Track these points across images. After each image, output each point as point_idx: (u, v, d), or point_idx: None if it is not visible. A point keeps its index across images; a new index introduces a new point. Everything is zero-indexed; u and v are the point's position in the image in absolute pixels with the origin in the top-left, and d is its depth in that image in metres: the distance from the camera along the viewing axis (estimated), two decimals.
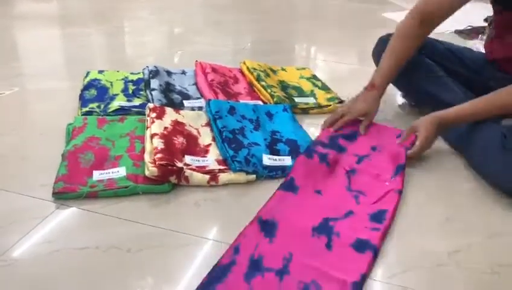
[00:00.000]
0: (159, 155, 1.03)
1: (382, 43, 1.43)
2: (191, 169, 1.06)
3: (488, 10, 1.41)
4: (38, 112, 1.42)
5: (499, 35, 1.37)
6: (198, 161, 1.11)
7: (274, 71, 1.76)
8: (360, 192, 1.05)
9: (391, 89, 1.54)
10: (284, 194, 1.01)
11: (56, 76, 1.73)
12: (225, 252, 0.83)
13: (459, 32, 2.63)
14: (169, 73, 1.63)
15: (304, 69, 1.85)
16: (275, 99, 1.47)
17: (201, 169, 1.08)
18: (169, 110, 1.27)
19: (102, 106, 1.37)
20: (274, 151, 1.19)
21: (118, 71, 1.64)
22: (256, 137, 1.23)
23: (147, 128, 1.17)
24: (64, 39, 2.30)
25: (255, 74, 1.61)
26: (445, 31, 2.61)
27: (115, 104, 1.37)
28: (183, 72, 1.67)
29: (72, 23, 2.50)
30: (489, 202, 1.07)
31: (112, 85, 1.52)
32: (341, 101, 1.53)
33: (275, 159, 1.15)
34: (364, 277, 0.81)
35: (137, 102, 1.41)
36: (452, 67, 1.44)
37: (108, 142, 1.16)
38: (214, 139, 1.21)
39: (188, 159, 1.10)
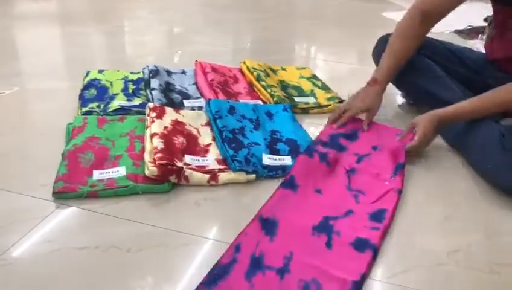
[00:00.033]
0: (158, 155, 1.03)
1: (382, 43, 1.43)
2: (190, 169, 1.06)
3: (488, 10, 1.41)
4: (38, 112, 1.42)
5: (498, 34, 1.37)
6: (198, 160, 1.11)
7: (274, 71, 1.76)
8: (360, 191, 1.05)
9: (391, 88, 1.54)
10: (284, 192, 1.01)
11: (56, 76, 1.73)
12: (226, 251, 0.84)
13: (459, 32, 2.63)
14: (169, 73, 1.63)
15: (303, 68, 1.85)
16: (275, 99, 1.47)
17: (201, 169, 1.08)
18: (169, 109, 1.27)
19: (102, 106, 1.37)
20: (274, 151, 1.19)
21: (117, 71, 1.65)
22: (256, 137, 1.23)
23: (147, 127, 1.17)
24: (64, 39, 2.30)
25: (255, 73, 1.61)
26: (444, 31, 2.61)
27: (115, 104, 1.37)
28: (183, 72, 1.68)
29: (71, 22, 2.50)
30: (489, 201, 1.07)
31: (111, 85, 1.52)
32: (341, 101, 1.54)
33: (275, 159, 1.15)
34: (364, 277, 0.81)
35: (137, 102, 1.41)
36: (452, 67, 1.44)
37: (108, 142, 1.16)
38: (214, 138, 1.21)
39: (187, 158, 1.10)
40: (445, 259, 0.88)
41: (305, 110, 1.49)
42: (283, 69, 1.81)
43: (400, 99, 1.63)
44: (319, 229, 0.91)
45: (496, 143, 1.10)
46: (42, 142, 1.22)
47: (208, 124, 1.28)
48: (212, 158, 1.13)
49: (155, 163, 1.01)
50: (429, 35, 1.38)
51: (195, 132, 1.23)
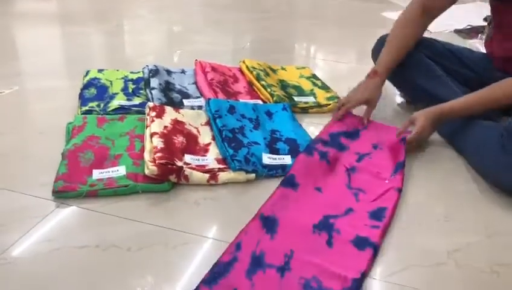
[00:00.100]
0: (158, 154, 1.03)
1: (381, 43, 1.43)
2: (190, 168, 1.06)
3: (488, 9, 1.41)
4: (38, 111, 1.42)
5: (497, 33, 1.37)
6: (198, 160, 1.11)
7: (274, 70, 1.76)
8: (360, 190, 1.05)
9: (390, 88, 1.55)
10: (284, 191, 1.01)
11: (56, 75, 1.73)
12: (226, 249, 0.84)
13: (458, 32, 2.63)
14: (169, 72, 1.63)
15: (303, 68, 1.85)
16: (274, 99, 1.47)
17: (201, 168, 1.08)
18: (169, 109, 1.27)
19: (102, 105, 1.37)
20: (274, 150, 1.19)
21: (117, 70, 1.64)
22: (255, 136, 1.23)
23: (147, 127, 1.17)
24: (64, 38, 2.30)
25: (254, 73, 1.61)
26: (444, 31, 2.61)
27: (115, 103, 1.37)
28: (183, 71, 1.67)
29: (71, 22, 2.50)
30: (489, 201, 1.07)
31: (111, 84, 1.52)
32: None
33: (275, 158, 1.15)
34: (364, 274, 0.81)
35: (137, 101, 1.41)
36: (451, 67, 1.44)
37: (108, 141, 1.16)
38: (213, 138, 1.21)
39: (187, 158, 1.10)
40: (445, 258, 0.88)
41: (305, 110, 1.49)
42: (283, 68, 1.81)
43: (399, 99, 1.63)
44: (320, 228, 0.91)
45: (495, 143, 1.10)
46: (42, 141, 1.22)
47: (208, 123, 1.28)
48: (211, 157, 1.13)
49: (155, 162, 1.01)
50: (429, 35, 1.39)
51: (195, 131, 1.23)
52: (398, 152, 1.17)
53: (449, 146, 1.31)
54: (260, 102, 1.49)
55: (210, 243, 0.88)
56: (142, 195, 1.01)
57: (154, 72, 1.55)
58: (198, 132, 1.24)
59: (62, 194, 0.97)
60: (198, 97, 1.50)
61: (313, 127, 1.38)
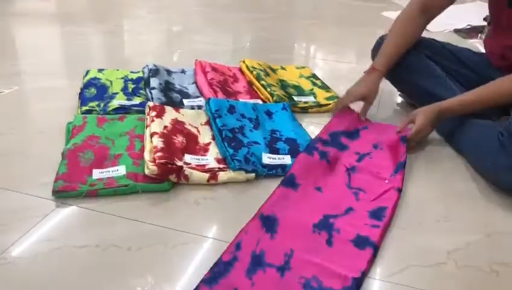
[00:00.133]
0: (158, 154, 1.03)
1: (381, 42, 1.44)
2: (190, 168, 1.06)
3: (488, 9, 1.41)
4: (38, 111, 1.42)
5: (495, 31, 1.38)
6: (198, 159, 1.11)
7: (274, 70, 1.76)
8: (360, 189, 1.05)
9: (390, 88, 1.55)
10: (284, 190, 1.01)
11: (56, 75, 1.73)
12: (226, 249, 0.84)
13: (458, 32, 2.63)
14: (169, 72, 1.63)
15: (303, 68, 1.85)
16: (274, 98, 1.47)
17: (201, 168, 1.08)
18: (169, 108, 1.27)
19: (102, 105, 1.37)
20: (274, 150, 1.19)
21: (117, 70, 1.64)
22: (255, 136, 1.23)
23: (147, 127, 1.17)
24: (63, 38, 2.30)
25: (254, 72, 1.61)
26: (444, 30, 2.62)
27: (115, 103, 1.37)
28: (183, 71, 1.68)
29: (71, 22, 2.50)
30: (488, 200, 1.08)
31: (111, 84, 1.52)
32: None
33: (274, 158, 1.15)
34: (364, 274, 0.81)
35: (137, 101, 1.41)
36: (451, 67, 1.44)
37: (108, 141, 1.16)
38: (213, 138, 1.21)
39: (187, 157, 1.10)
40: (445, 258, 0.88)
41: (305, 109, 1.49)
42: (283, 68, 1.82)
43: (399, 98, 1.63)
44: (320, 227, 0.91)
45: (494, 142, 1.10)
46: (42, 141, 1.22)
47: (208, 123, 1.28)
48: (211, 157, 1.13)
49: (155, 162, 1.01)
50: (429, 35, 1.39)
51: (195, 131, 1.23)
52: (398, 152, 1.17)
53: (448, 145, 1.31)
54: (260, 102, 1.49)
55: (210, 242, 0.88)
56: (142, 195, 1.01)
57: (154, 72, 1.55)
58: (198, 131, 1.24)
59: (62, 193, 0.97)
60: (198, 97, 1.50)
61: (313, 126, 1.38)
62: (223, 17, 2.86)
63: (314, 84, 1.69)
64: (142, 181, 1.02)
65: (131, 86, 1.52)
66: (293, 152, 1.19)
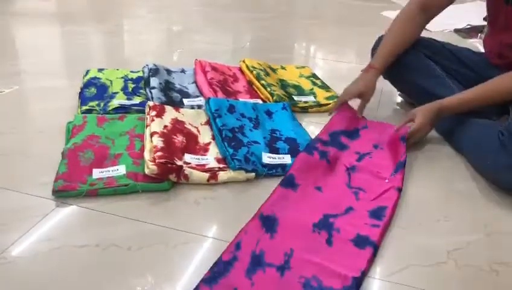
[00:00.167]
0: (158, 153, 1.03)
1: (380, 42, 1.44)
2: (190, 167, 1.06)
3: None
4: (38, 110, 1.42)
5: (492, 29, 1.38)
6: (198, 159, 1.11)
7: (273, 70, 1.76)
8: (360, 189, 1.05)
9: (390, 87, 1.55)
10: (284, 190, 1.01)
11: (56, 74, 1.73)
12: (226, 249, 0.84)
13: (458, 31, 2.63)
14: (169, 71, 1.63)
15: (303, 67, 1.85)
16: (274, 98, 1.47)
17: (200, 167, 1.08)
18: (169, 108, 1.28)
19: (102, 104, 1.37)
20: (273, 150, 1.19)
21: (117, 69, 1.64)
22: (255, 135, 1.23)
23: (147, 126, 1.17)
24: (63, 37, 2.30)
25: (254, 72, 1.61)
26: (444, 30, 2.62)
27: (115, 103, 1.37)
28: (183, 71, 1.68)
29: (71, 21, 2.50)
30: (488, 200, 1.08)
31: (111, 83, 1.52)
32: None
33: (274, 158, 1.15)
34: (364, 273, 0.81)
35: (137, 100, 1.41)
36: (451, 67, 1.44)
37: (108, 141, 1.16)
38: (213, 137, 1.21)
39: (187, 157, 1.10)
40: (445, 258, 0.88)
41: (305, 109, 1.49)
42: (283, 68, 1.82)
43: (399, 98, 1.63)
44: (320, 227, 0.91)
45: (494, 142, 1.11)
46: (42, 140, 1.22)
47: (208, 122, 1.28)
48: (211, 157, 1.13)
49: (155, 161, 1.01)
50: (429, 34, 1.39)
51: (195, 131, 1.23)
52: (398, 152, 1.17)
53: (447, 143, 1.31)
54: (260, 101, 1.49)
55: (210, 242, 0.88)
56: (142, 194, 1.01)
57: (154, 71, 1.55)
58: (198, 131, 1.24)
59: (62, 193, 0.97)
60: (198, 96, 1.50)
61: (313, 126, 1.38)
62: (223, 16, 2.86)
63: (314, 83, 1.69)
64: (142, 181, 1.02)
65: (131, 85, 1.52)
66: (293, 152, 1.19)
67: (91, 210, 0.95)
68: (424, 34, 1.45)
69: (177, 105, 1.38)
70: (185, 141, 1.16)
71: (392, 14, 2.81)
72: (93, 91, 1.46)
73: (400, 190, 1.05)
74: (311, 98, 1.55)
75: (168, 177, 1.02)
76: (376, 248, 0.87)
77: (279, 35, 2.51)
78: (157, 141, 1.08)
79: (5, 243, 0.84)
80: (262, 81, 1.55)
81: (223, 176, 1.06)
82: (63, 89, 1.58)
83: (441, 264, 0.86)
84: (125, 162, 1.08)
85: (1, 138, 1.22)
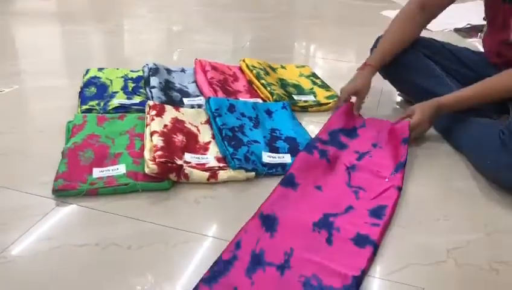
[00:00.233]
0: (158, 153, 1.03)
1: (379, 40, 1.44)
2: (190, 166, 1.06)
3: None
4: (38, 110, 1.42)
5: (490, 28, 1.39)
6: (198, 158, 1.11)
7: (273, 69, 1.76)
8: (360, 188, 1.05)
9: (389, 87, 1.55)
10: (284, 190, 1.01)
11: (56, 74, 1.73)
12: (226, 248, 0.84)
13: (458, 31, 2.63)
14: (169, 71, 1.63)
15: (303, 67, 1.85)
16: (274, 97, 1.47)
17: (201, 166, 1.08)
18: (169, 107, 1.28)
19: (102, 104, 1.37)
20: (273, 149, 1.19)
21: (117, 69, 1.64)
22: (255, 135, 1.23)
23: (147, 126, 1.17)
24: (63, 37, 2.30)
25: (254, 71, 1.61)
26: (444, 29, 2.62)
27: (115, 102, 1.37)
28: (183, 70, 1.68)
29: (71, 21, 2.50)
30: (488, 199, 1.08)
31: (111, 83, 1.52)
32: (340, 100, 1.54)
33: (274, 157, 1.15)
34: (364, 272, 0.81)
35: (137, 100, 1.41)
36: (451, 66, 1.44)
37: (108, 140, 1.16)
38: (213, 136, 1.21)
39: (187, 156, 1.10)
40: (445, 257, 0.88)
41: (305, 108, 1.49)
42: (283, 67, 1.81)
43: (398, 98, 1.63)
44: (319, 226, 0.91)
45: (494, 141, 1.11)
46: (42, 140, 1.22)
47: (208, 122, 1.28)
48: (211, 156, 1.13)
49: (155, 161, 1.01)
50: (429, 34, 1.39)
51: (195, 130, 1.23)
52: (399, 152, 1.17)
53: (446, 141, 1.31)
54: (260, 101, 1.49)
55: (210, 241, 0.89)
56: (142, 193, 1.01)
57: (154, 70, 1.55)
58: (198, 130, 1.24)
59: (62, 192, 0.97)
60: (198, 96, 1.50)
61: (313, 125, 1.38)
62: (223, 16, 2.86)
63: (314, 83, 1.69)
64: (142, 180, 1.02)
65: (131, 85, 1.52)
66: (293, 151, 1.19)
67: (91, 209, 0.95)
68: (424, 33, 1.45)
69: (177, 104, 1.38)
70: (185, 140, 1.16)
71: (392, 14, 2.81)
72: (93, 90, 1.46)
73: (400, 188, 1.05)
74: (311, 98, 1.55)
75: (168, 177, 1.02)
76: (376, 246, 0.87)
77: (279, 35, 2.51)
78: (157, 140, 1.08)
79: (5, 242, 0.84)
80: (262, 81, 1.55)
81: (223, 175, 1.06)
82: (63, 88, 1.58)
83: (440, 263, 0.86)
84: (125, 161, 1.08)
85: (1, 137, 1.22)
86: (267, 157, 1.14)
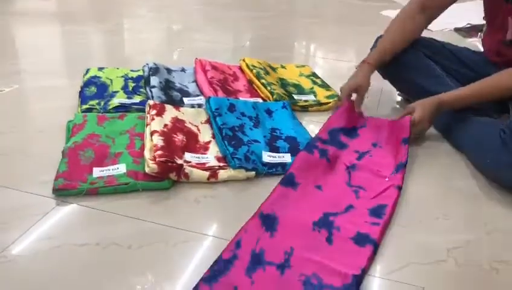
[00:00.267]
0: (159, 152, 1.03)
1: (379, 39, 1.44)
2: (190, 166, 1.06)
3: None
4: (38, 109, 1.42)
5: (489, 27, 1.39)
6: (198, 157, 1.11)
7: (274, 69, 1.76)
8: (360, 187, 1.05)
9: (389, 87, 1.55)
10: (284, 189, 1.01)
11: (56, 73, 1.73)
12: (226, 247, 0.84)
13: (458, 30, 2.63)
14: (169, 70, 1.63)
15: (303, 66, 1.85)
16: (274, 97, 1.47)
17: (201, 166, 1.08)
18: (169, 107, 1.28)
19: (102, 103, 1.37)
20: (274, 149, 1.19)
21: (117, 68, 1.64)
22: (255, 134, 1.23)
23: (147, 125, 1.17)
24: (63, 36, 2.30)
25: (254, 71, 1.61)
26: (444, 29, 2.61)
27: (115, 102, 1.37)
28: (183, 70, 1.68)
29: (71, 21, 2.50)
30: (488, 198, 1.08)
31: (111, 82, 1.52)
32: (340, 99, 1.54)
33: (274, 157, 1.15)
34: (365, 271, 0.81)
35: (137, 99, 1.41)
36: (451, 66, 1.44)
37: (108, 139, 1.16)
38: (213, 136, 1.21)
39: (188, 156, 1.10)
40: (445, 256, 0.88)
41: (305, 108, 1.49)
42: (283, 66, 1.81)
43: (398, 97, 1.63)
44: (320, 225, 0.91)
45: (495, 140, 1.10)
46: (42, 139, 1.22)
47: (208, 121, 1.28)
48: (212, 155, 1.13)
49: (155, 160, 1.01)
50: (430, 34, 1.39)
51: (195, 130, 1.23)
52: (399, 151, 1.17)
53: (446, 141, 1.31)
54: (260, 100, 1.49)
55: (210, 240, 0.89)
56: (142, 193, 1.01)
57: (154, 70, 1.55)
58: (199, 130, 1.24)
59: (62, 192, 0.97)
60: (198, 95, 1.50)
61: (313, 125, 1.38)
62: (223, 15, 2.86)
63: (314, 82, 1.69)
64: (142, 179, 1.02)
65: (131, 84, 1.52)
66: (293, 150, 1.19)
67: (91, 209, 0.95)
68: (424, 33, 1.45)
69: (177, 104, 1.38)
70: (185, 139, 1.16)
71: (392, 14, 2.81)
72: (94, 90, 1.46)
73: (400, 188, 1.05)
74: (311, 97, 1.55)
75: (168, 176, 1.02)
76: (376, 246, 0.87)
77: (279, 34, 2.51)
78: (158, 140, 1.08)
79: (6, 242, 0.84)
80: (263, 80, 1.55)
81: (223, 174, 1.07)
82: (63, 88, 1.58)
83: (440, 263, 0.86)
84: (125, 160, 1.08)
85: (1, 137, 1.22)
86: (267, 156, 1.14)
